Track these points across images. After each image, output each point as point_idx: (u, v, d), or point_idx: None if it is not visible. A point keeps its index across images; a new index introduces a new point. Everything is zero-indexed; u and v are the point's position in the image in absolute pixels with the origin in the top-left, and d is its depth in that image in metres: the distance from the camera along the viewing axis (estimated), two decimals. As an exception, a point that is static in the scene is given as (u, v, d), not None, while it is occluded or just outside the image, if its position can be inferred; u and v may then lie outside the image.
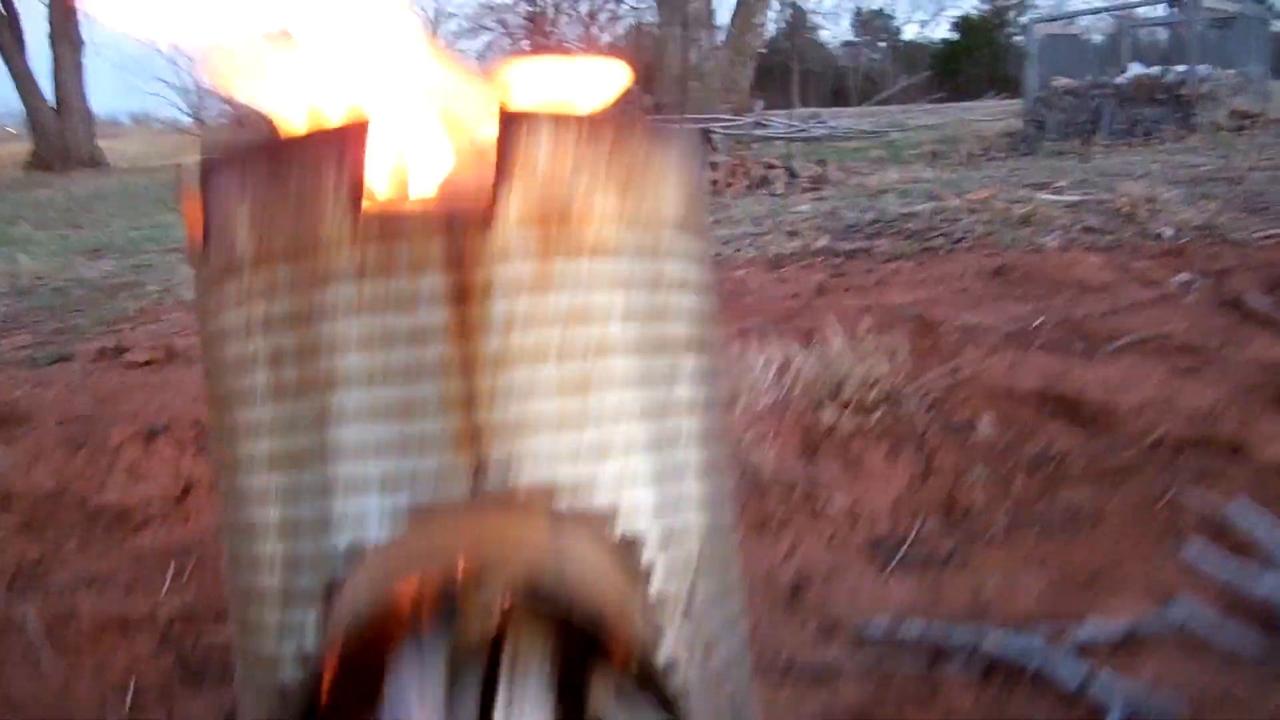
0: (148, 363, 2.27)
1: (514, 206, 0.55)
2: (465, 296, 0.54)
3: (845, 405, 1.50)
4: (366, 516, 0.55)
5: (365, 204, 0.54)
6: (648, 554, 0.58)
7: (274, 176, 0.56)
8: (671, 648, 0.57)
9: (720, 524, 0.63)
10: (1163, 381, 1.60)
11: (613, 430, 0.57)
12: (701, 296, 0.64)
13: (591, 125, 0.58)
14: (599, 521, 0.56)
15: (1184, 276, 2.36)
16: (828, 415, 1.46)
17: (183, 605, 1.11)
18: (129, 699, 0.92)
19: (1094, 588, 1.03)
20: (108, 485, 1.40)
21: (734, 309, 2.22)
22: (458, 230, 0.54)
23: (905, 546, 1.15)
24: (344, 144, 0.54)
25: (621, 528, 0.57)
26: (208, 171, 0.59)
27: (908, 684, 0.87)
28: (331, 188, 0.54)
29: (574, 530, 0.55)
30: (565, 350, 0.56)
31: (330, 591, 0.56)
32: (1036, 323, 1.97)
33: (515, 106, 0.56)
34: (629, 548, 0.57)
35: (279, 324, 0.56)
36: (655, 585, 0.58)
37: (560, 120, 0.56)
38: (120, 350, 2.37)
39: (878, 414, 1.46)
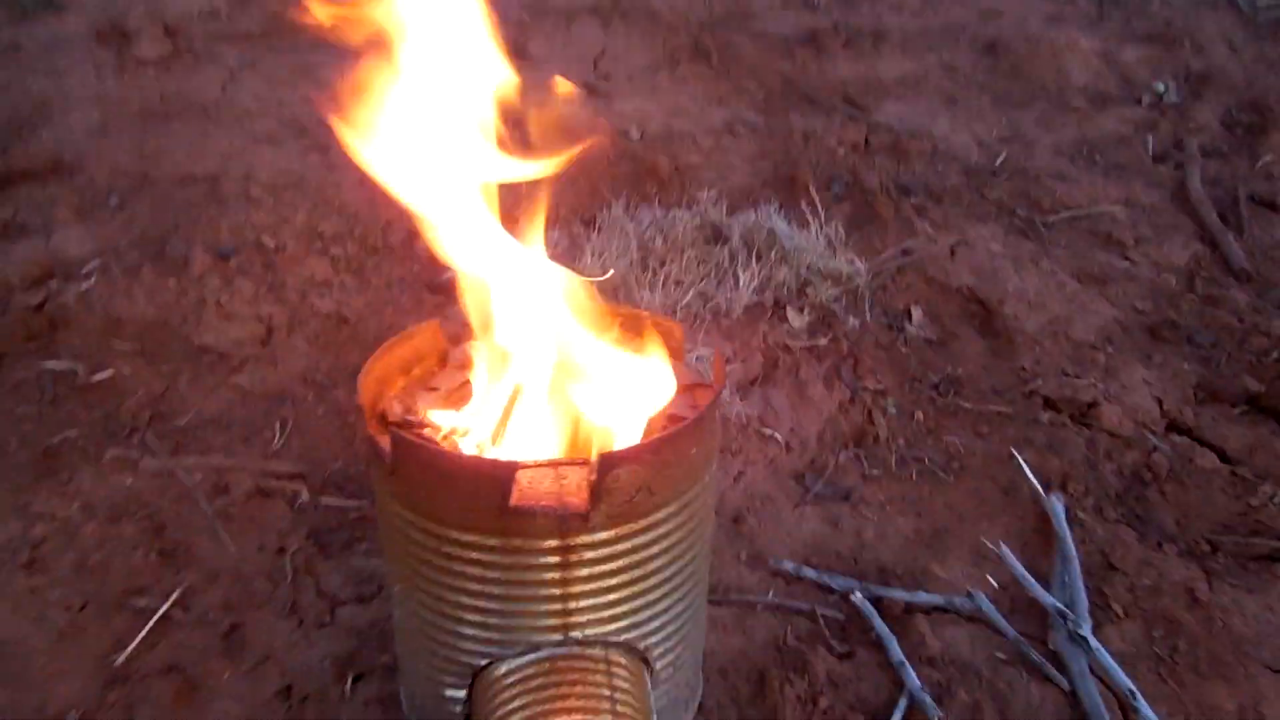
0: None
1: (601, 513, 0.93)
2: (567, 567, 0.95)
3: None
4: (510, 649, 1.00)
5: (513, 505, 0.92)
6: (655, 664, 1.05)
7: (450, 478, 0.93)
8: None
9: (697, 628, 1.11)
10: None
11: (637, 616, 1.01)
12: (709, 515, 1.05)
13: (657, 453, 0.94)
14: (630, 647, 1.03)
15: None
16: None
17: (293, 466, 1.57)
18: (288, 567, 1.41)
19: (936, 546, 1.54)
20: (203, 324, 1.77)
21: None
22: (568, 527, 0.93)
23: (820, 479, 1.63)
24: (503, 474, 0.91)
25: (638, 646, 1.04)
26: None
27: (801, 620, 1.40)
28: (496, 499, 0.92)
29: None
30: (614, 583, 0.98)
31: (474, 679, 1.03)
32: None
33: (608, 450, 0.92)
34: (645, 659, 1.04)
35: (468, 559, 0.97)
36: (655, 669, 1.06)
37: (638, 457, 0.92)
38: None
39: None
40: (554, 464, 0.97)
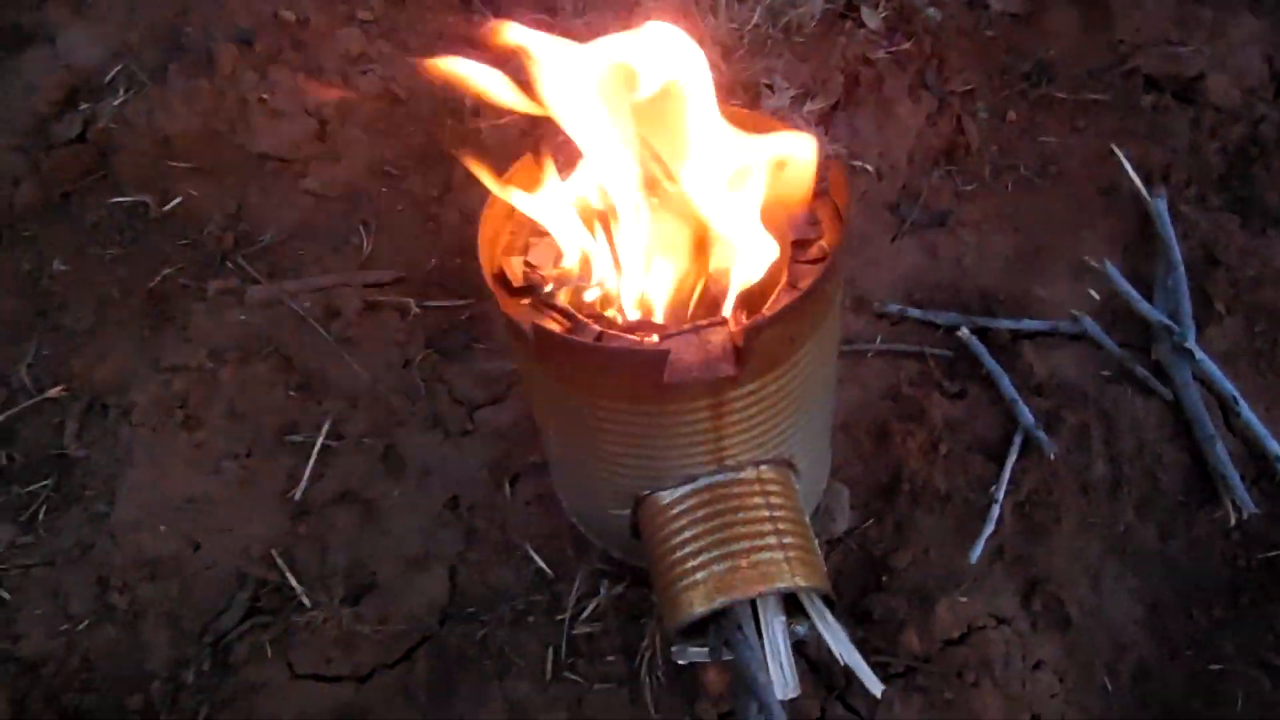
0: None
1: (748, 371, 0.97)
2: (718, 415, 1.01)
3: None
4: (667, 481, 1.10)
5: (667, 383, 0.96)
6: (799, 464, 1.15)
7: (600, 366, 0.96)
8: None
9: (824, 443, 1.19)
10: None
11: (782, 435, 1.09)
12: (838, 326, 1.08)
13: (799, 308, 0.95)
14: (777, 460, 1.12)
15: None
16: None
17: (390, 272, 1.59)
18: (416, 371, 1.49)
19: (1037, 264, 1.56)
20: (253, 127, 1.70)
21: None
22: (718, 388, 0.98)
23: (915, 207, 1.62)
24: (653, 359, 0.94)
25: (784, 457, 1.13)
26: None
27: (911, 363, 1.48)
28: (648, 379, 0.96)
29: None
30: (761, 418, 1.04)
31: (638, 503, 1.13)
32: None
33: (750, 308, 0.94)
34: (790, 465, 1.14)
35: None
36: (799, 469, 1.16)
37: (782, 319, 0.94)
38: None
39: None
40: (697, 329, 1.00)
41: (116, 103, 1.72)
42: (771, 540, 1.08)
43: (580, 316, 1.03)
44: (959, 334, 1.51)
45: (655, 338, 1.01)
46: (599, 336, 1.01)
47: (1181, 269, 1.53)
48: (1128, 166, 1.62)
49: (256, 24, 1.77)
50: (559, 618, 1.28)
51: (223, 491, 1.39)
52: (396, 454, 1.42)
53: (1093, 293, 1.55)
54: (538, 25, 1.72)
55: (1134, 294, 1.50)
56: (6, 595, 1.32)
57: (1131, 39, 1.77)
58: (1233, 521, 1.35)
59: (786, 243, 1.07)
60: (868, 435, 1.41)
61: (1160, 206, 1.58)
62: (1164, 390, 1.45)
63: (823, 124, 1.61)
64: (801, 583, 1.07)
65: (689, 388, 0.99)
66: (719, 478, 1.11)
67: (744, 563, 1.07)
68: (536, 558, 1.32)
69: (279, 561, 1.33)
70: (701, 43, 1.64)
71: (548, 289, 1.04)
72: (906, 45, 1.71)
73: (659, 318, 1.12)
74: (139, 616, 1.29)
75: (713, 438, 1.06)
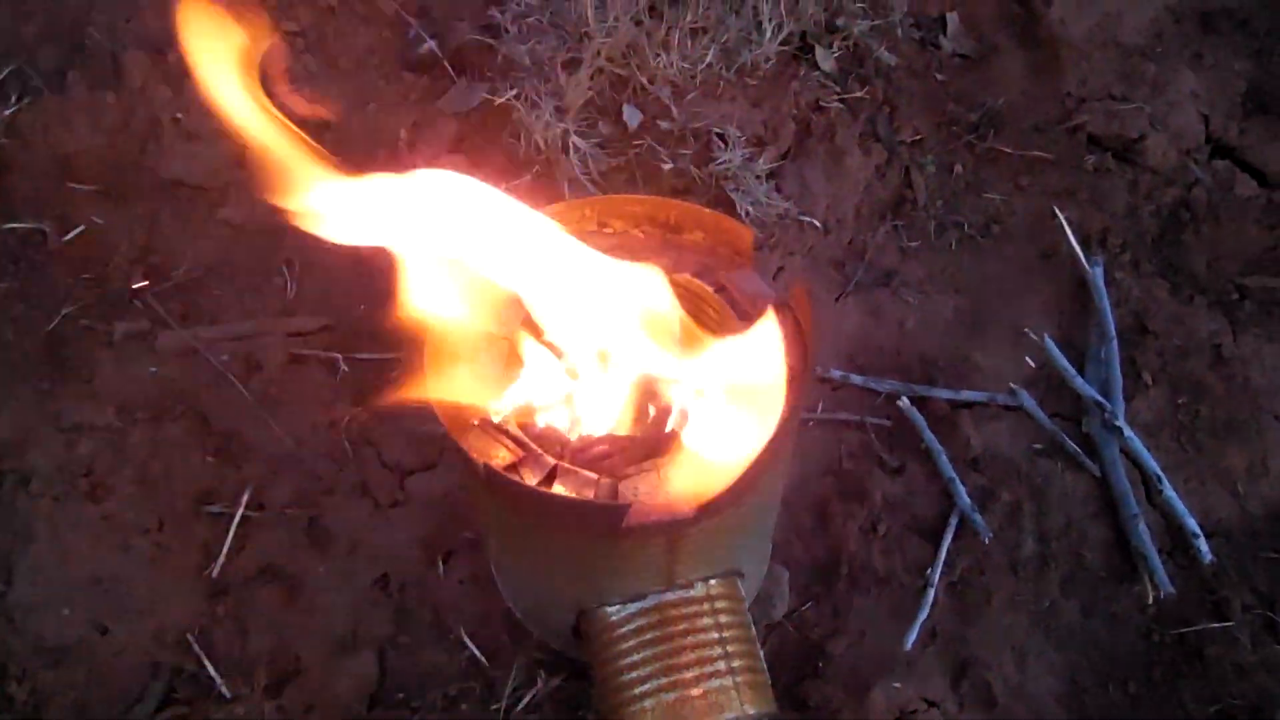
0: None
1: (699, 530, 0.93)
2: (673, 548, 0.97)
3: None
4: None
5: (624, 527, 0.91)
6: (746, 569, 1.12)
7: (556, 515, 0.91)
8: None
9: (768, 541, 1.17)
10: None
11: (733, 552, 1.06)
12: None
13: (760, 463, 0.91)
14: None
15: None
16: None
17: (316, 319, 1.49)
18: (345, 443, 1.41)
19: (976, 331, 1.55)
20: (165, 150, 1.55)
21: None
22: (670, 532, 0.94)
23: (861, 266, 1.58)
24: (612, 515, 0.89)
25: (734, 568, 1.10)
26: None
27: (852, 434, 1.46)
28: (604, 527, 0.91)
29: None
30: (717, 541, 1.01)
31: (581, 614, 1.09)
32: None
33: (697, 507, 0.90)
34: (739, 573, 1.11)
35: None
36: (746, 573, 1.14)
37: (738, 489, 0.91)
38: None
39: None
40: (657, 466, 0.95)
41: (7, 111, 1.55)
42: (721, 666, 1.06)
43: (533, 446, 0.97)
44: (899, 404, 1.50)
45: (612, 471, 0.97)
46: (553, 472, 0.96)
47: (1114, 342, 1.54)
48: (1068, 231, 1.62)
49: (170, 30, 1.60)
50: (494, 707, 1.24)
51: (133, 569, 1.30)
52: (322, 526, 1.35)
53: (1029, 360, 1.55)
54: (479, 49, 1.63)
55: (1069, 369, 1.51)
56: (-109, 686, 1.22)
57: (1078, 91, 1.76)
58: (1150, 599, 1.39)
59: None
60: (808, 512, 1.40)
61: (1097, 275, 1.59)
62: (1092, 466, 1.47)
63: (773, 179, 1.55)
64: (750, 710, 1.06)
65: (647, 528, 0.95)
66: (668, 596, 1.08)
67: (694, 692, 1.05)
68: (470, 644, 1.28)
69: (195, 647, 1.25)
70: (653, 82, 1.58)
71: (497, 419, 0.97)
72: (859, 92, 1.65)
73: (612, 427, 1.07)
74: (40, 709, 1.21)
75: (665, 563, 1.03)
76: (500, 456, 0.97)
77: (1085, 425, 1.52)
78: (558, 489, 0.95)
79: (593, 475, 0.96)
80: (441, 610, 1.31)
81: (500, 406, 0.99)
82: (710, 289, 1.07)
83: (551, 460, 0.97)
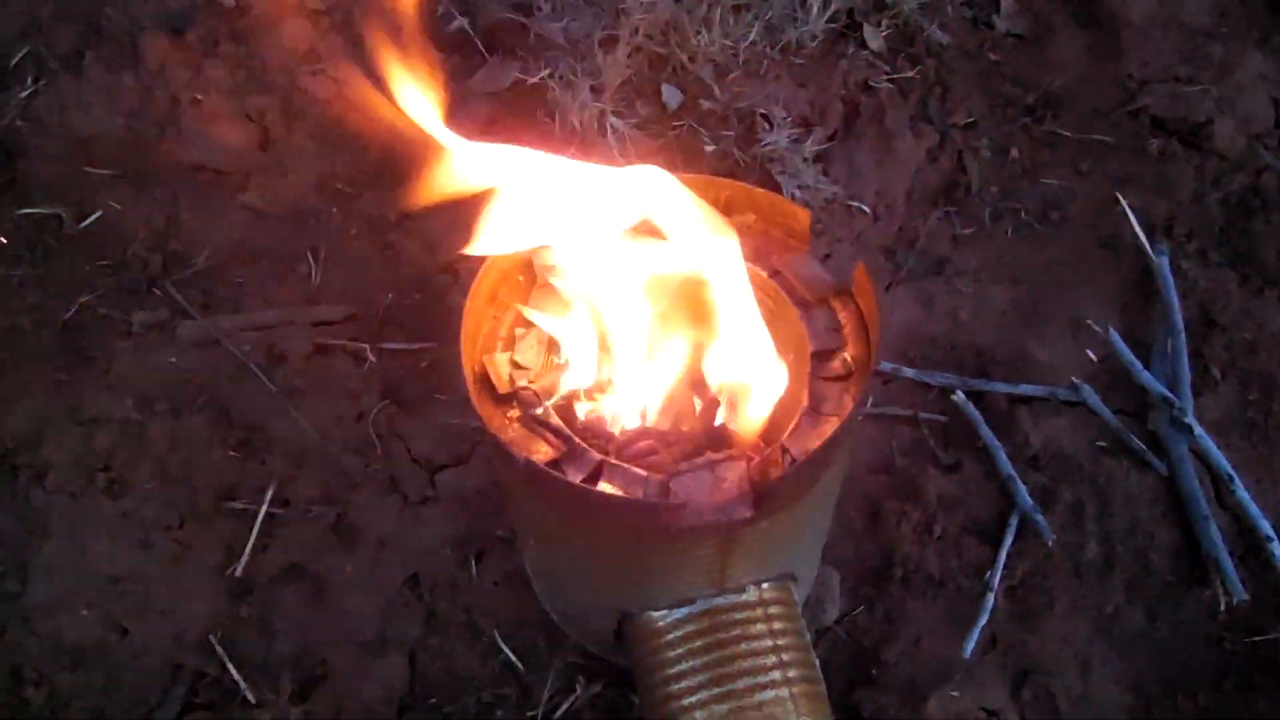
0: None
1: (755, 530, 0.86)
2: (726, 550, 0.90)
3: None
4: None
5: (681, 526, 0.85)
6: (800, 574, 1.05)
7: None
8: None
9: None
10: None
11: (788, 555, 0.99)
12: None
13: (824, 452, 0.84)
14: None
15: None
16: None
17: (342, 309, 1.43)
18: (370, 427, 1.35)
19: (1034, 322, 1.47)
20: (184, 133, 1.49)
21: None
22: (725, 533, 0.87)
23: (912, 254, 1.51)
24: (660, 514, 0.82)
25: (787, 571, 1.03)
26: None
27: (904, 429, 1.39)
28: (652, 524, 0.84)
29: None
30: (771, 545, 0.94)
31: (621, 627, 1.03)
32: None
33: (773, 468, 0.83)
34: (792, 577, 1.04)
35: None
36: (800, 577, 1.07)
37: (803, 465, 0.83)
38: None
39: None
40: (711, 464, 0.88)
41: (23, 94, 1.50)
42: (776, 676, 0.99)
43: (576, 441, 0.91)
44: (954, 398, 1.42)
45: (661, 468, 0.90)
46: (598, 468, 0.89)
47: (1182, 335, 1.46)
48: (1132, 218, 1.54)
49: (189, 9, 1.55)
50: (530, 714, 1.18)
51: (153, 568, 1.24)
52: (349, 523, 1.29)
53: (1090, 354, 1.47)
54: (512, 26, 1.57)
55: (1135, 363, 1.43)
56: (-96, 687, 1.17)
57: (1139, 74, 1.67)
58: (1222, 605, 1.31)
59: (805, 354, 0.96)
60: (859, 513, 1.33)
61: (1163, 264, 1.50)
62: (1159, 465, 1.38)
63: (820, 161, 1.48)
64: (807, 722, 0.99)
65: (699, 530, 0.88)
66: (718, 601, 1.01)
67: (748, 702, 0.98)
68: (504, 647, 1.21)
69: (218, 649, 1.19)
70: (693, 60, 1.51)
71: (539, 411, 0.91)
72: (910, 72, 1.58)
73: (661, 423, 1.00)
74: (57, 713, 1.15)
75: (717, 566, 0.96)
76: (541, 451, 0.91)
77: (1151, 422, 1.43)
78: (604, 487, 0.88)
79: (641, 472, 0.90)
80: (474, 612, 1.24)
81: (540, 392, 0.93)
82: (765, 274, 1.01)
83: (597, 456, 0.90)
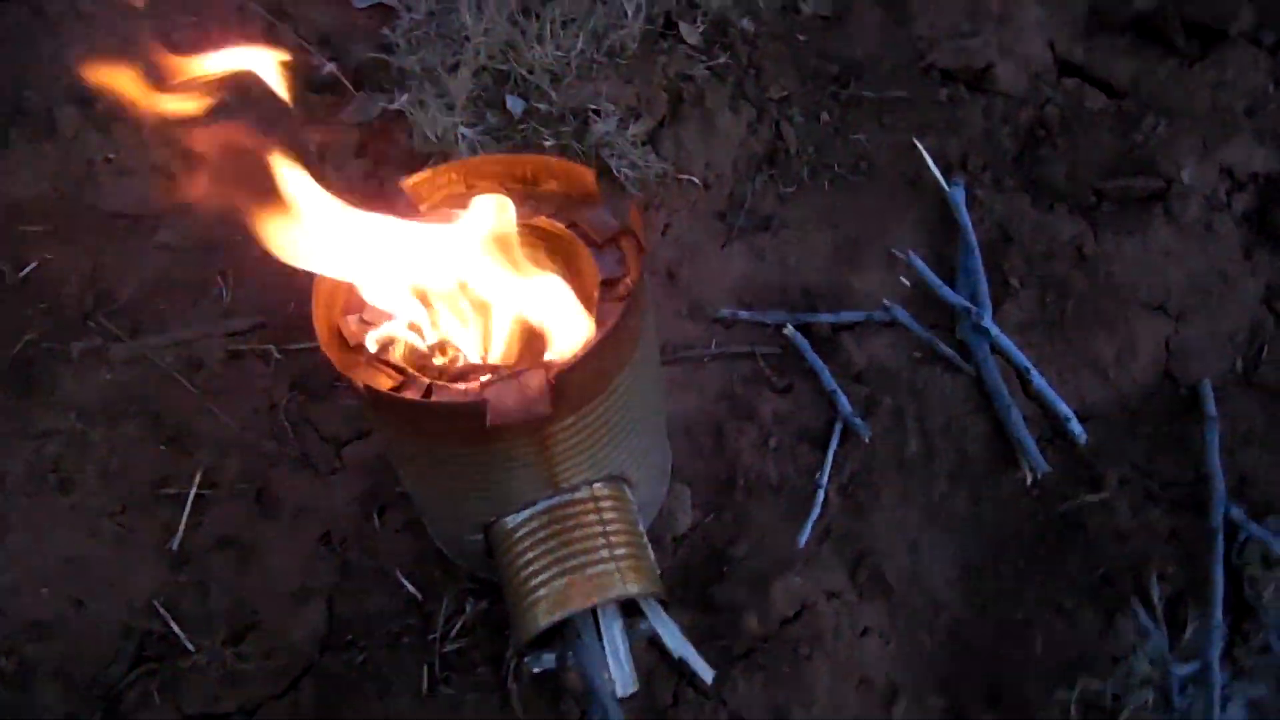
0: None
1: (564, 407, 1.07)
2: (545, 448, 1.11)
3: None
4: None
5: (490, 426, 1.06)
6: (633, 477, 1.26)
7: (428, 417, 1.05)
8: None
9: (658, 453, 1.30)
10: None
11: (609, 455, 1.19)
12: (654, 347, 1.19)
13: (603, 346, 1.05)
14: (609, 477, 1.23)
15: None
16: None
17: (251, 319, 1.65)
18: (285, 422, 1.55)
19: (853, 258, 1.69)
20: (102, 187, 1.72)
21: None
22: (538, 425, 1.08)
23: (742, 214, 1.73)
24: (475, 409, 1.03)
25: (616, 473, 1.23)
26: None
27: (743, 363, 1.60)
28: (473, 424, 1.05)
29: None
30: (587, 444, 1.15)
31: (486, 529, 1.23)
32: None
33: (560, 366, 1.04)
34: (624, 479, 1.25)
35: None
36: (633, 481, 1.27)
37: (587, 360, 1.04)
38: None
39: None
40: (517, 374, 1.09)
41: (-43, 169, 1.73)
42: (604, 554, 1.20)
43: (410, 371, 1.12)
44: (785, 331, 1.63)
45: (482, 380, 1.11)
46: (428, 390, 1.10)
47: (977, 252, 1.67)
48: (928, 158, 1.76)
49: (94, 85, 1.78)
50: (430, 637, 1.38)
51: (102, 549, 1.44)
52: (270, 496, 1.49)
53: (904, 280, 1.69)
54: (376, 65, 1.79)
55: (936, 280, 1.64)
56: (-105, 669, 1.37)
57: (928, 34, 1.90)
58: (1029, 481, 1.50)
59: (595, 283, 1.17)
60: (706, 436, 1.53)
61: (957, 195, 1.73)
62: (967, 367, 1.60)
63: (651, 143, 1.70)
64: (634, 589, 1.19)
65: (512, 428, 1.09)
66: (555, 500, 1.22)
67: (579, 577, 1.18)
68: (407, 583, 1.41)
69: (162, 611, 1.39)
70: (532, 72, 1.74)
71: (375, 350, 1.12)
72: (724, 59, 1.81)
73: (488, 359, 1.21)
74: (27, 677, 1.35)
75: (544, 466, 1.17)
76: (382, 382, 1.12)
77: (958, 332, 1.65)
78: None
79: (462, 387, 1.11)
80: (380, 557, 1.44)
81: (382, 340, 1.14)
82: (563, 225, 1.22)
83: (427, 380, 1.11)
